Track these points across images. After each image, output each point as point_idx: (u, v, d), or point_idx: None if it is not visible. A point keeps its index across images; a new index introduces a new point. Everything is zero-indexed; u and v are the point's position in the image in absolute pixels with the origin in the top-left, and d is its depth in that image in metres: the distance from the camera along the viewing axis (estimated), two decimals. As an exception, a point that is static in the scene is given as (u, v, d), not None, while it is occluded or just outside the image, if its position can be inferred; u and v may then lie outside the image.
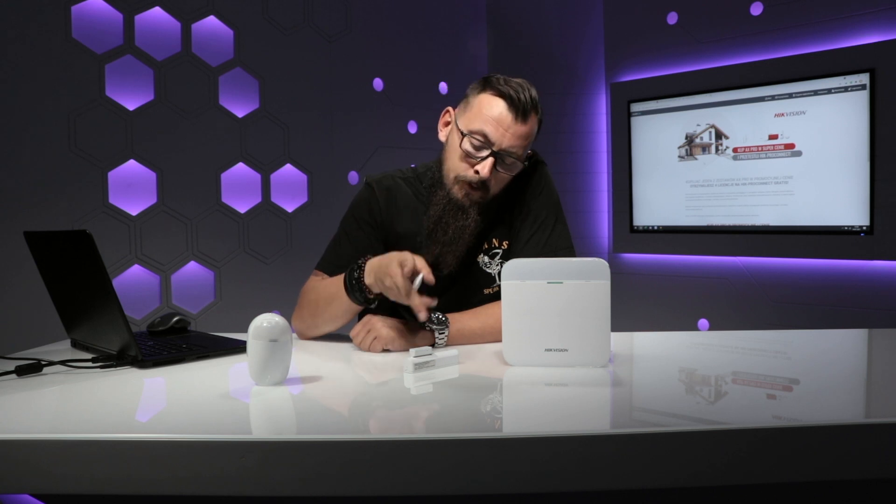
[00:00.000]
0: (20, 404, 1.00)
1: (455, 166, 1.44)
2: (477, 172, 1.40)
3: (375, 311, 1.41)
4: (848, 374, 1.18)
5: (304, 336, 1.49)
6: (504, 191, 1.52)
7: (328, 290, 1.43)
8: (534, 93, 1.41)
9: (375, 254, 1.52)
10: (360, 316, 1.45)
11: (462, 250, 1.46)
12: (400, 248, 1.53)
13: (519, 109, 1.38)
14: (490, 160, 1.39)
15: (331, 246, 1.57)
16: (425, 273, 1.28)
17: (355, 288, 1.35)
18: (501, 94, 1.39)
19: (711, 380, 1.13)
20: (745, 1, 3.30)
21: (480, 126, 1.39)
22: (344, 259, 1.52)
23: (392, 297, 1.30)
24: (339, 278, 1.40)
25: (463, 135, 1.41)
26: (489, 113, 1.39)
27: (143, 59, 2.66)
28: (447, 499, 0.97)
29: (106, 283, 1.17)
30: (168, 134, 2.73)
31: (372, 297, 1.35)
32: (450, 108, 1.51)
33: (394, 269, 1.26)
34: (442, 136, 1.52)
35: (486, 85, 1.42)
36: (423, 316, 1.26)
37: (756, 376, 1.15)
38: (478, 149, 1.40)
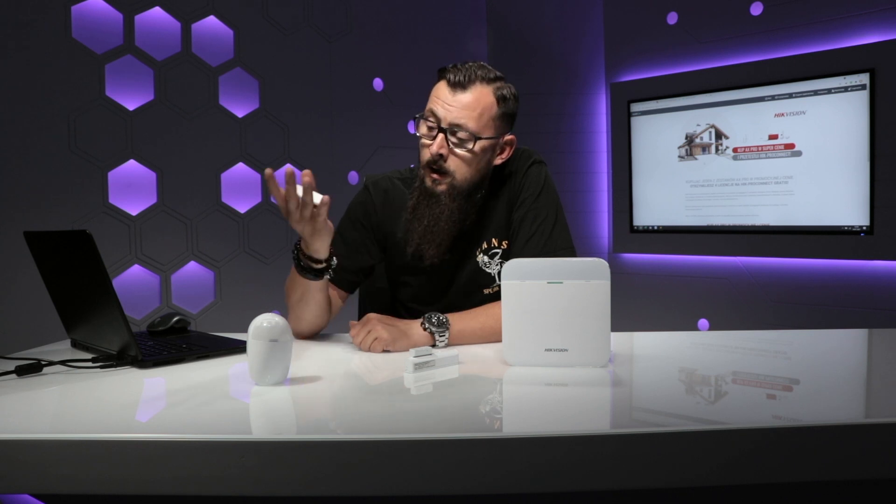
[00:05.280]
0: (20, 404, 1.00)
1: (421, 156, 1.48)
2: (431, 152, 1.43)
3: (375, 311, 1.41)
4: (848, 374, 1.18)
5: (297, 334, 1.48)
6: (503, 191, 1.52)
7: (290, 278, 1.45)
8: (481, 71, 1.43)
9: (368, 253, 1.53)
10: (360, 316, 1.46)
11: (442, 239, 1.46)
12: (397, 249, 1.53)
13: (456, 82, 1.42)
14: (440, 136, 1.42)
15: (327, 246, 1.57)
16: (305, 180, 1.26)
17: (297, 258, 1.37)
18: (444, 77, 1.45)
19: (711, 380, 1.13)
20: (745, 1, 3.30)
21: (428, 107, 1.45)
22: (339, 259, 1.52)
23: (298, 223, 1.29)
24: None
25: (420, 121, 1.47)
26: (434, 94, 1.45)
27: (143, 59, 2.66)
28: (447, 499, 0.97)
29: (106, 283, 1.17)
30: (168, 134, 2.73)
31: (318, 264, 1.35)
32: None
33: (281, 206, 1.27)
34: None
35: (438, 74, 1.49)
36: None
37: (756, 376, 1.15)
38: (430, 130, 1.44)
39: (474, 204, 1.49)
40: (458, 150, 1.42)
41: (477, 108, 1.41)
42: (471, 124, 1.41)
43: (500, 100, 1.44)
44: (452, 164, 1.43)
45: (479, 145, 1.42)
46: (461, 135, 1.41)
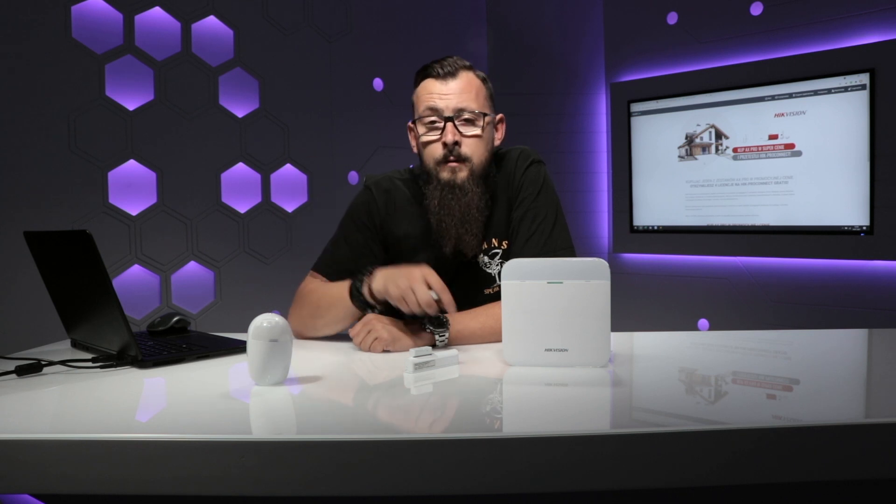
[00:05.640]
0: (20, 404, 1.00)
1: (429, 155, 1.49)
2: (445, 144, 1.45)
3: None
4: (848, 374, 1.18)
5: (301, 336, 1.49)
6: (502, 190, 1.53)
7: (330, 293, 1.44)
8: (460, 60, 1.49)
9: (373, 255, 1.53)
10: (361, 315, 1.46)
11: (478, 229, 1.48)
12: (399, 250, 1.53)
13: (443, 73, 1.47)
14: (448, 125, 1.45)
15: (328, 248, 1.58)
16: (440, 291, 1.29)
17: (359, 293, 1.37)
18: (426, 74, 1.49)
19: (711, 380, 1.13)
20: (745, 1, 3.30)
21: (423, 106, 1.47)
22: (341, 262, 1.52)
23: (400, 307, 1.31)
24: (343, 284, 1.41)
25: (417, 125, 1.49)
26: (424, 93, 1.49)
27: (143, 59, 2.66)
28: (447, 499, 0.97)
29: (106, 283, 1.17)
30: (168, 134, 2.73)
31: (374, 303, 1.36)
32: (409, 123, 1.56)
33: (416, 281, 1.28)
34: (414, 147, 1.56)
35: (416, 78, 1.52)
36: (432, 311, 1.30)
37: (756, 376, 1.15)
38: (433, 126, 1.47)
39: (490, 186, 1.52)
40: (469, 132, 1.46)
41: (471, 89, 1.47)
42: (473, 105, 1.46)
43: (483, 81, 1.52)
44: (467, 148, 1.46)
45: (486, 121, 1.48)
46: (467, 116, 1.45)
